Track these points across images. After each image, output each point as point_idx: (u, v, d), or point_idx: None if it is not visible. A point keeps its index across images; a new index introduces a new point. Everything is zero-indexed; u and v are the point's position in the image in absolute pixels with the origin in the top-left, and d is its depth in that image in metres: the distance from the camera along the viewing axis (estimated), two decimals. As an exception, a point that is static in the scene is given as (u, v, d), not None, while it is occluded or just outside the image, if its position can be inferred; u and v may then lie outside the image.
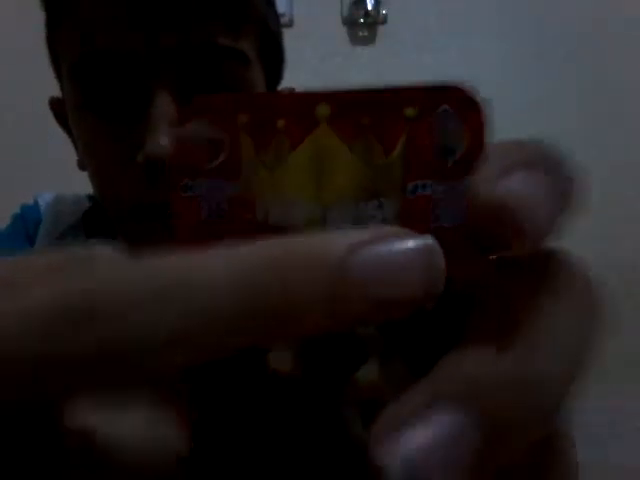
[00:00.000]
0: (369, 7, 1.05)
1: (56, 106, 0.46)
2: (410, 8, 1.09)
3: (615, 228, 1.11)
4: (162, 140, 0.32)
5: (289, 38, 1.20)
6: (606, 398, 1.13)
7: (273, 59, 0.42)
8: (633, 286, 1.13)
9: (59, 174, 1.09)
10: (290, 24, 1.08)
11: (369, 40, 1.09)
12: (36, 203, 0.53)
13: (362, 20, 1.07)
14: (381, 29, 1.09)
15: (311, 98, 0.14)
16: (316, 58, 1.09)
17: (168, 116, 0.32)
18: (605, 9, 1.09)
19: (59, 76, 0.41)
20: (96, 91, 0.34)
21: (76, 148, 0.43)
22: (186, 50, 0.33)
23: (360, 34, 1.09)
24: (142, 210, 0.35)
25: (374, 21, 1.07)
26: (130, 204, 0.35)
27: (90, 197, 0.52)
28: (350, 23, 1.08)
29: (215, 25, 0.34)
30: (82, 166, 0.42)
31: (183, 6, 0.32)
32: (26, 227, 0.50)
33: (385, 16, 1.07)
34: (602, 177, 1.11)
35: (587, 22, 1.09)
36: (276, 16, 0.44)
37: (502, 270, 0.14)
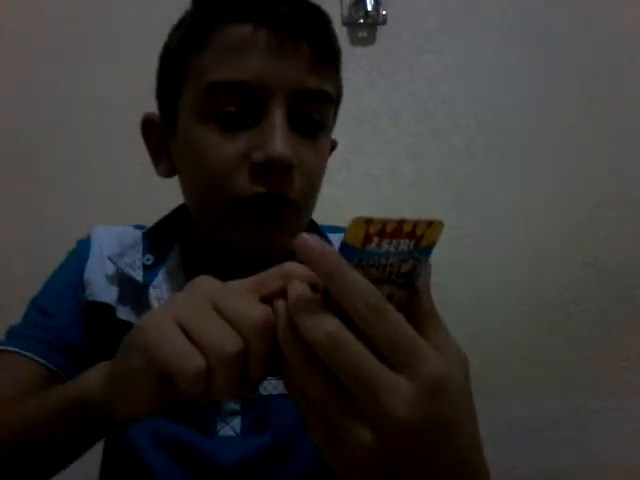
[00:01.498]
0: (369, 8, 1.05)
1: (149, 122, 0.54)
2: (410, 8, 1.09)
3: (615, 228, 1.11)
4: (280, 144, 0.43)
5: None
6: (606, 398, 1.13)
7: (339, 98, 0.54)
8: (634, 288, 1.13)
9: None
10: (290, 25, 1.08)
11: (369, 40, 1.10)
12: (89, 237, 0.60)
13: (362, 21, 1.07)
14: (381, 30, 1.09)
15: None
16: (316, 58, 1.09)
17: (282, 128, 0.44)
18: (605, 9, 1.09)
19: (173, 94, 0.49)
20: (226, 106, 0.45)
21: (156, 162, 0.54)
22: (301, 88, 0.45)
23: (360, 35, 1.09)
24: (252, 201, 0.45)
25: (374, 22, 1.07)
26: (241, 200, 0.45)
27: (138, 226, 0.61)
28: (350, 24, 1.08)
29: (320, 72, 0.47)
30: (167, 174, 0.53)
31: (306, 58, 0.46)
32: (79, 258, 0.58)
33: (385, 17, 1.07)
34: (602, 177, 1.11)
35: (587, 22, 1.10)
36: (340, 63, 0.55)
37: None
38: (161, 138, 0.52)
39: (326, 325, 0.25)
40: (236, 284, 0.30)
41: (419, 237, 0.28)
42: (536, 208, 1.12)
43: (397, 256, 0.27)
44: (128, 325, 0.52)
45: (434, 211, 1.11)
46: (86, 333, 0.55)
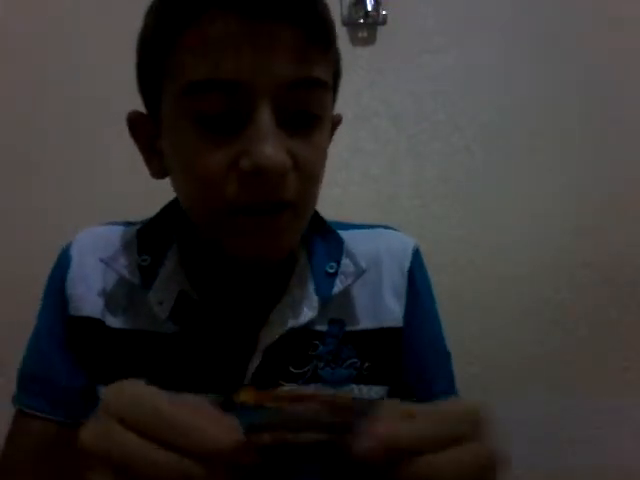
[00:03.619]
0: (369, 8, 1.05)
1: (135, 120, 0.49)
2: (410, 9, 1.09)
3: (615, 228, 1.11)
4: (269, 150, 0.38)
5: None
6: (606, 398, 1.13)
7: (337, 83, 0.49)
8: (634, 288, 1.13)
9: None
10: (290, 25, 1.08)
11: (369, 41, 1.09)
12: (70, 244, 0.56)
13: (362, 21, 1.07)
14: (381, 30, 1.09)
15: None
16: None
17: (270, 130, 0.39)
18: (605, 9, 1.09)
19: (154, 91, 0.44)
20: (206, 107, 0.40)
21: (148, 161, 0.49)
22: (289, 78, 0.40)
23: (360, 35, 1.09)
24: (242, 210, 0.41)
25: (374, 22, 1.07)
26: (230, 208, 0.41)
27: (128, 222, 0.57)
28: (350, 24, 1.08)
29: (311, 59, 0.41)
30: (159, 175, 0.48)
31: (291, 44, 0.39)
32: (60, 271, 0.55)
33: (385, 17, 1.07)
34: (602, 177, 1.11)
35: (587, 22, 1.09)
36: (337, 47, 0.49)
37: None
38: (150, 136, 0.48)
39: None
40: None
41: (334, 407, 0.28)
42: (536, 208, 1.12)
43: (314, 419, 0.28)
44: (121, 332, 0.51)
45: (434, 211, 1.11)
46: (72, 353, 0.53)
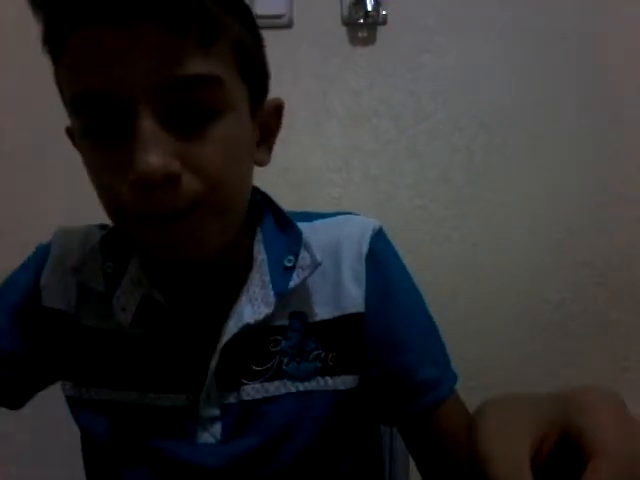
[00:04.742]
0: (369, 8, 1.05)
1: (69, 133, 0.50)
2: (410, 9, 1.09)
3: (615, 228, 1.11)
4: (149, 158, 0.37)
5: (289, 38, 1.22)
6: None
7: (254, 73, 0.46)
8: (634, 288, 1.13)
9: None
10: (290, 25, 1.08)
11: (369, 41, 1.10)
12: (50, 242, 0.57)
13: (362, 21, 1.07)
14: (381, 30, 1.09)
15: None
16: (316, 59, 1.09)
17: (149, 138, 0.37)
18: (605, 8, 1.09)
19: (64, 104, 0.44)
20: (92, 120, 0.40)
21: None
22: (163, 79, 0.38)
23: (360, 35, 1.09)
24: (144, 219, 0.40)
25: (374, 22, 1.07)
26: (135, 218, 0.41)
27: (103, 226, 0.57)
28: (350, 24, 1.08)
29: (185, 55, 0.38)
30: None
31: (156, 43, 0.37)
32: (37, 262, 0.56)
33: (385, 17, 1.07)
34: (602, 177, 1.11)
35: (587, 22, 1.09)
36: (254, 32, 0.46)
37: None
38: None
39: None
40: None
41: None
42: (536, 208, 1.12)
43: None
44: (92, 330, 0.52)
45: (434, 211, 1.11)
46: (32, 339, 0.53)
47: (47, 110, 1.09)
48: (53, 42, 0.40)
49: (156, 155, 0.37)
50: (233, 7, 0.43)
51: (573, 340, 1.13)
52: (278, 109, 0.51)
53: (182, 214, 0.40)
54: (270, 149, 0.52)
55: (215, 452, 0.50)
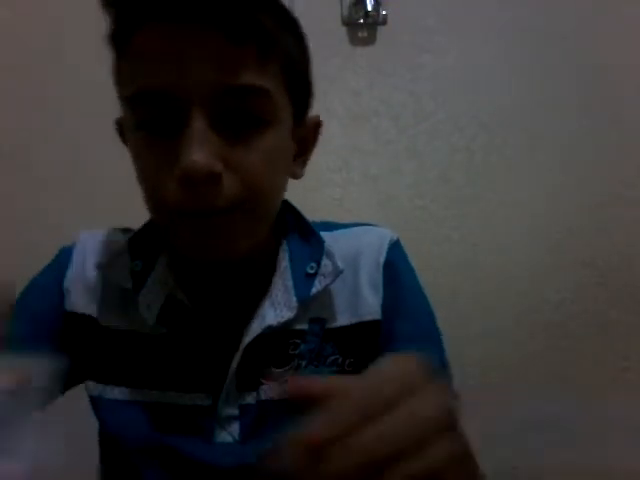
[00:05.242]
0: (369, 8, 1.05)
1: (119, 125, 0.52)
2: (410, 9, 1.09)
3: (615, 228, 1.12)
4: (195, 156, 0.39)
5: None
6: (606, 398, 1.13)
7: (299, 90, 0.49)
8: (634, 288, 1.13)
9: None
10: (290, 24, 1.08)
11: (369, 40, 1.10)
12: (73, 245, 0.58)
13: (362, 21, 1.07)
14: (381, 30, 1.09)
15: None
16: (316, 58, 1.09)
17: (199, 137, 0.40)
18: (605, 8, 1.09)
19: (120, 98, 0.46)
20: (147, 116, 0.42)
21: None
22: (219, 86, 0.41)
23: (360, 35, 1.09)
24: (184, 215, 0.43)
25: (374, 22, 1.07)
26: (175, 212, 0.43)
27: (125, 229, 0.59)
28: (350, 24, 1.08)
29: (242, 66, 0.41)
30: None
31: (218, 51, 0.40)
32: (60, 266, 0.56)
33: (385, 17, 1.07)
34: (602, 177, 1.11)
35: (587, 22, 1.10)
36: (304, 50, 0.51)
37: None
38: None
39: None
40: None
41: None
42: (536, 208, 1.12)
43: None
44: (114, 332, 0.53)
45: (434, 211, 1.11)
46: (56, 344, 0.54)
47: (47, 110, 1.09)
48: (119, 38, 0.43)
49: (202, 154, 0.40)
50: (288, 25, 0.47)
51: (573, 340, 1.13)
52: (317, 127, 0.54)
53: (221, 212, 0.43)
54: (305, 163, 0.55)
55: (232, 452, 0.51)
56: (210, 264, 0.49)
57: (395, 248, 0.58)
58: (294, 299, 0.51)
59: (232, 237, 0.45)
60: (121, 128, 0.51)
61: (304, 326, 0.53)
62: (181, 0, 0.39)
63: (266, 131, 0.44)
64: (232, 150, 0.42)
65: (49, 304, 0.55)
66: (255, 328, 0.51)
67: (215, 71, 0.40)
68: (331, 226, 0.59)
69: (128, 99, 0.43)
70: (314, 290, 0.52)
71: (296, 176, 0.53)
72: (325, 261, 0.53)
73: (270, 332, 0.51)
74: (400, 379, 0.26)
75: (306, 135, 0.53)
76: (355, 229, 0.59)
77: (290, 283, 0.53)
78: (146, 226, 0.56)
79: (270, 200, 0.47)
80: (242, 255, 0.46)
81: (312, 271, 0.53)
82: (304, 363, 0.52)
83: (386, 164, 1.10)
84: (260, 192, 0.44)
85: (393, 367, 0.27)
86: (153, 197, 0.44)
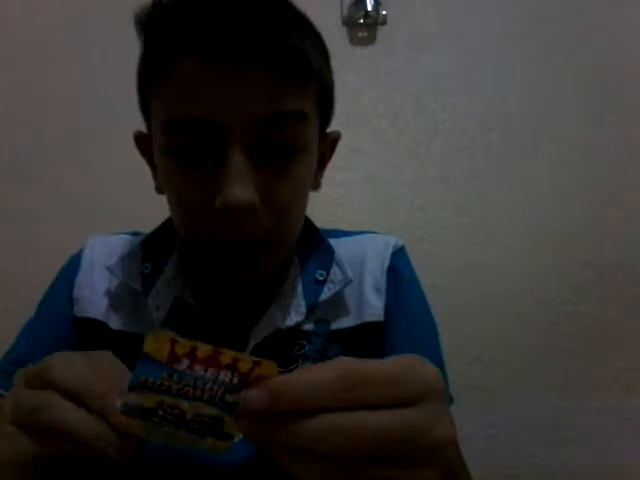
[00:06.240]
0: (369, 8, 1.05)
1: (140, 138, 0.53)
2: (410, 9, 1.09)
3: (615, 228, 1.11)
4: (237, 190, 0.40)
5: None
6: (606, 398, 1.13)
7: (327, 108, 0.51)
8: (634, 288, 1.13)
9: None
10: (290, 25, 1.08)
11: (369, 40, 1.10)
12: (81, 250, 0.60)
13: (362, 21, 1.07)
14: (381, 30, 1.09)
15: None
16: (316, 58, 1.09)
17: (239, 170, 0.41)
18: (606, 9, 1.09)
19: (147, 115, 0.48)
20: (183, 143, 0.43)
21: (154, 175, 0.52)
22: (261, 116, 0.41)
23: (360, 35, 1.09)
24: (221, 241, 0.44)
25: (374, 22, 1.07)
26: (211, 237, 0.44)
27: (135, 233, 0.61)
28: (350, 24, 1.08)
29: (286, 95, 0.42)
30: (160, 191, 0.51)
31: (260, 83, 0.40)
32: (69, 275, 0.57)
33: (385, 17, 1.07)
34: (602, 177, 1.11)
35: (587, 22, 1.10)
36: (330, 69, 0.50)
37: None
38: (151, 154, 0.50)
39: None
40: None
41: (244, 373, 0.26)
42: (536, 208, 1.12)
43: (218, 385, 0.26)
44: (122, 335, 0.54)
45: (434, 211, 1.11)
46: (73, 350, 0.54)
47: (47, 110, 1.09)
48: (159, 64, 0.43)
49: (243, 188, 0.41)
50: (321, 48, 0.48)
51: (573, 340, 1.13)
52: (336, 141, 0.56)
53: (257, 245, 0.45)
54: (321, 175, 0.56)
55: (237, 451, 0.50)
56: (235, 280, 0.51)
57: (399, 254, 0.59)
58: (303, 304, 0.53)
59: (262, 263, 0.47)
60: (139, 141, 0.53)
61: (309, 327, 0.54)
62: (229, 39, 0.39)
63: (299, 158, 0.45)
64: (267, 182, 0.43)
65: (62, 312, 0.56)
66: (263, 330, 0.52)
67: (257, 101, 0.41)
68: (339, 233, 0.61)
69: (165, 124, 0.43)
70: (323, 297, 0.53)
71: (316, 188, 0.55)
72: (335, 269, 0.54)
73: (278, 333, 0.52)
74: (384, 379, 0.27)
75: (325, 149, 0.54)
76: (361, 236, 0.61)
77: (299, 288, 0.54)
78: (157, 230, 0.58)
79: (297, 223, 0.50)
80: (265, 275, 0.49)
81: (322, 278, 0.54)
82: (308, 363, 0.53)
83: (386, 164, 1.10)
84: (291, 221, 0.47)
85: (382, 367, 0.28)
86: (189, 222, 0.46)
